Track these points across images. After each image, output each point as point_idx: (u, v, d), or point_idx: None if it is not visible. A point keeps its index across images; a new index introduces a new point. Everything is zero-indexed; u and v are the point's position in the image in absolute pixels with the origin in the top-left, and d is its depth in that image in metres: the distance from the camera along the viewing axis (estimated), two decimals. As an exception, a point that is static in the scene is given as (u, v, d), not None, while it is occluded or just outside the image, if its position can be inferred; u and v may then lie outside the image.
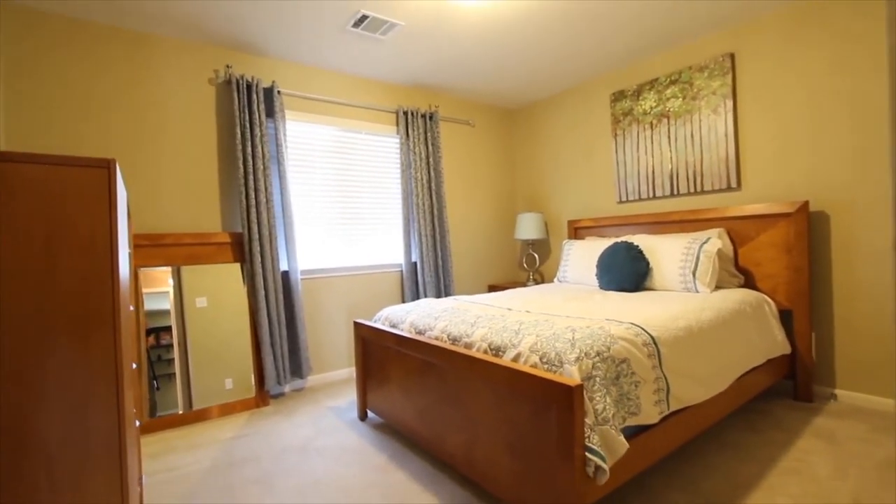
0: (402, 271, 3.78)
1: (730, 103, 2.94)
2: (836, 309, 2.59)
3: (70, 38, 2.51)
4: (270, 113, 3.08)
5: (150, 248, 2.68)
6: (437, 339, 2.02)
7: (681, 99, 3.20)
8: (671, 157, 3.28)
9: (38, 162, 0.86)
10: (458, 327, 1.98)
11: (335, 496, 1.79)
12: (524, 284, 4.16)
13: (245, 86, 2.92)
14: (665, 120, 3.30)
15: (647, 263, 2.81)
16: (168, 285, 2.74)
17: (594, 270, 3.20)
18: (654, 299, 2.40)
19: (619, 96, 3.59)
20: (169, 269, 2.75)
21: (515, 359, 1.62)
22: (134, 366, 1.38)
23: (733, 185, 2.96)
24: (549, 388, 1.37)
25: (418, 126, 3.74)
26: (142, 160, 2.72)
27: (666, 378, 1.69)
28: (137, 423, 1.46)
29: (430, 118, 3.84)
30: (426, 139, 3.81)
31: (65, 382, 0.87)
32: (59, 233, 0.87)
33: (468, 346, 1.85)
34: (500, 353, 1.69)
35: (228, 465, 2.09)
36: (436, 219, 3.82)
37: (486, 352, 1.75)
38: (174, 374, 2.69)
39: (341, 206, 3.49)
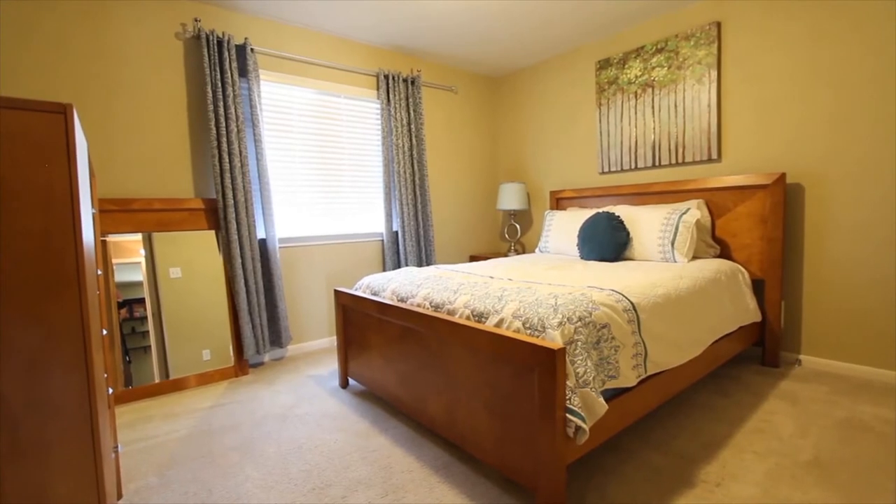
0: (383, 241, 3.73)
1: (714, 73, 2.93)
2: (805, 279, 2.68)
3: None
4: (244, 72, 2.92)
5: (117, 214, 2.56)
6: (419, 306, 2.01)
7: (666, 68, 3.17)
8: (654, 128, 3.28)
9: (-18, 104, 0.78)
10: (441, 294, 1.96)
11: (318, 461, 1.79)
12: (505, 255, 4.17)
13: (216, 42, 2.76)
14: (650, 90, 3.27)
15: (628, 234, 2.84)
16: (140, 256, 2.64)
17: (575, 241, 3.22)
18: (634, 268, 2.43)
19: (604, 64, 3.54)
20: (140, 238, 2.64)
21: (498, 324, 1.62)
22: (104, 332, 1.33)
23: (714, 156, 2.98)
24: (532, 351, 1.38)
25: (399, 91, 3.62)
26: (106, 118, 2.55)
27: (644, 343, 1.73)
28: (110, 391, 1.42)
29: (412, 83, 3.72)
30: (408, 105, 3.70)
31: (23, 345, 0.82)
32: (8, 186, 0.80)
33: (451, 312, 1.84)
34: (483, 319, 1.69)
35: (207, 433, 2.06)
36: (417, 187, 3.75)
37: (468, 318, 1.75)
38: (149, 346, 2.62)
39: (320, 173, 3.39)
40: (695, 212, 2.67)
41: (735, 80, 2.88)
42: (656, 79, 3.23)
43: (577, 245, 3.07)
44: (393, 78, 3.59)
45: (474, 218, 4.48)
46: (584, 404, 1.40)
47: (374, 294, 2.35)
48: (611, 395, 1.59)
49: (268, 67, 3.09)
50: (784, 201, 2.58)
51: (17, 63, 2.30)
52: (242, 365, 2.87)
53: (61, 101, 0.82)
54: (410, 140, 3.72)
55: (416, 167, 3.74)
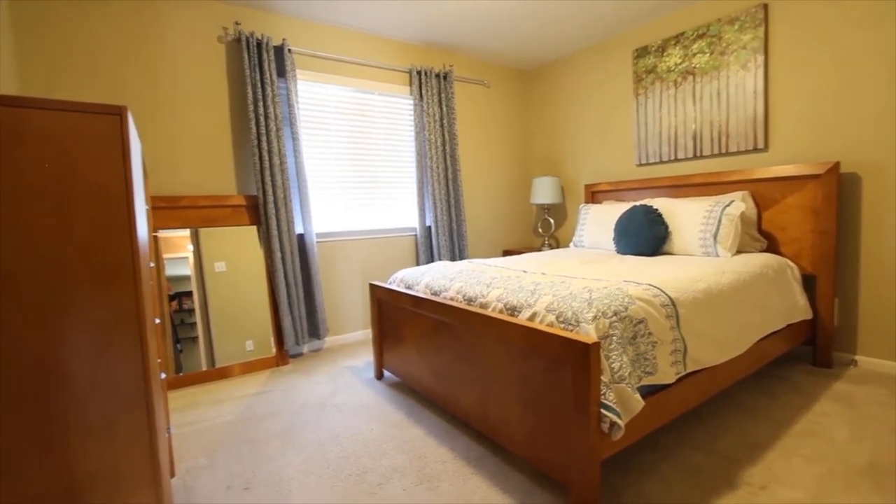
0: (416, 235, 3.77)
1: (761, 58, 2.78)
2: (862, 275, 2.51)
3: (77, -5, 2.46)
4: (282, 72, 3.01)
5: (167, 210, 2.71)
6: (452, 299, 2.03)
7: (708, 54, 3.03)
8: (695, 117, 3.15)
9: (46, 107, 0.84)
10: (474, 288, 1.97)
11: (355, 448, 1.85)
12: (539, 249, 4.13)
13: (255, 44, 2.86)
14: (690, 77, 3.15)
15: (666, 227, 2.75)
16: (187, 251, 2.78)
17: (611, 235, 3.15)
18: (673, 262, 2.36)
19: (642, 53, 3.43)
20: (187, 234, 2.78)
21: (531, 318, 1.61)
22: (157, 321, 1.41)
23: (760, 145, 2.84)
24: (566, 345, 1.37)
25: (432, 86, 3.64)
26: (154, 120, 2.70)
27: (683, 339, 1.68)
28: (163, 376, 1.51)
29: (445, 78, 3.72)
30: (440, 100, 3.72)
31: (87, 330, 0.89)
32: (71, 183, 0.87)
33: (483, 306, 1.85)
34: (516, 312, 1.69)
35: (251, 419, 2.16)
36: (450, 182, 3.77)
37: (501, 311, 1.75)
38: (197, 337, 2.77)
39: (355, 169, 3.46)
40: (739, 204, 2.55)
41: (784, 65, 2.73)
42: (697, 66, 3.10)
43: (613, 239, 3.00)
44: (425, 73, 3.61)
45: (507, 212, 4.46)
46: (620, 400, 1.38)
47: (408, 288, 2.39)
48: (648, 392, 1.56)
49: (304, 67, 3.17)
50: (837, 192, 2.43)
51: (78, 68, 2.47)
52: (283, 355, 2.98)
53: (117, 104, 0.88)
54: (443, 135, 3.74)
55: (448, 162, 3.75)
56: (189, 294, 2.77)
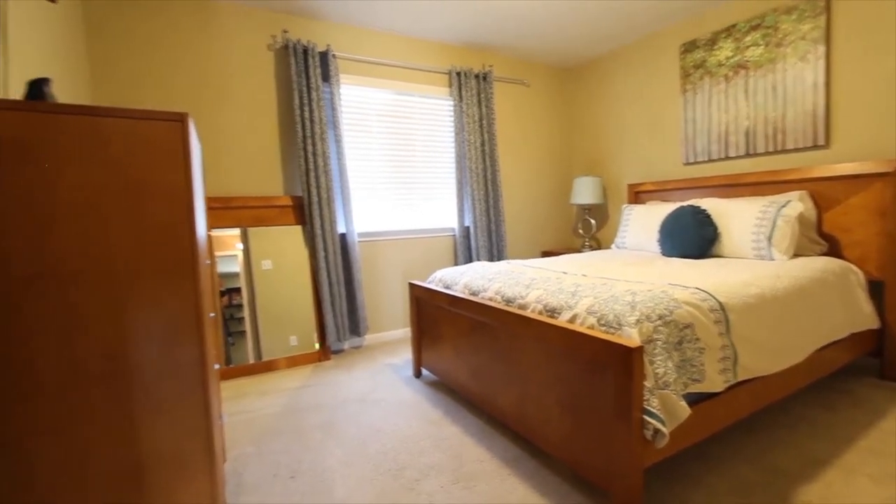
0: (454, 236, 3.79)
1: (822, 49, 2.62)
2: (938, 280, 2.31)
3: (139, 3, 2.64)
4: (326, 77, 3.11)
5: (220, 210, 2.86)
6: (490, 300, 2.03)
7: (762, 46, 2.88)
8: (748, 113, 3.00)
9: (118, 116, 0.93)
10: (513, 289, 1.97)
11: (393, 444, 1.89)
12: (579, 251, 4.05)
13: (301, 50, 2.97)
14: (743, 71, 3.00)
15: (715, 229, 2.63)
16: (236, 249, 2.92)
17: (656, 236, 3.05)
18: (723, 266, 2.26)
19: (690, 47, 3.30)
20: (237, 233, 2.92)
21: (571, 320, 1.59)
22: (212, 315, 1.50)
23: (820, 142, 2.67)
24: (607, 349, 1.35)
25: (471, 87, 3.65)
26: (209, 124, 2.86)
27: (734, 346, 1.61)
28: (217, 367, 1.60)
29: (484, 78, 3.73)
30: (479, 100, 3.72)
31: (158, 322, 0.96)
32: (144, 181, 0.94)
33: (522, 307, 1.84)
34: (556, 314, 1.67)
35: (295, 411, 2.25)
36: (489, 182, 3.77)
37: (540, 313, 1.74)
38: (245, 331, 2.90)
39: (395, 170, 3.52)
40: (796, 204, 2.41)
41: (847, 56, 2.55)
42: (751, 59, 2.95)
43: (658, 241, 2.91)
44: (465, 74, 3.62)
45: (547, 213, 4.40)
46: (664, 406, 1.34)
47: (447, 287, 2.41)
48: (695, 400, 1.50)
49: (347, 71, 3.26)
50: (911, 191, 2.25)
51: (141, 75, 2.65)
52: (325, 351, 3.08)
53: (179, 111, 0.95)
54: (482, 135, 3.74)
55: (487, 162, 3.75)
56: (238, 290, 2.91)
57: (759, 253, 2.44)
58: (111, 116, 0.92)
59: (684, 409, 1.36)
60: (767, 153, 2.94)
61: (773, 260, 2.37)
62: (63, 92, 1.97)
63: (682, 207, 2.79)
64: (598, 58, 4.11)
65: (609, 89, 4.03)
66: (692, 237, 2.64)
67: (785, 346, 1.81)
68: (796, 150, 2.80)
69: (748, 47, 2.96)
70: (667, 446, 1.40)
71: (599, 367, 1.39)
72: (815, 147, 2.71)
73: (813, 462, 1.66)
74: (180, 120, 0.99)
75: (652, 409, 1.31)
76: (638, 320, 1.42)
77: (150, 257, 0.95)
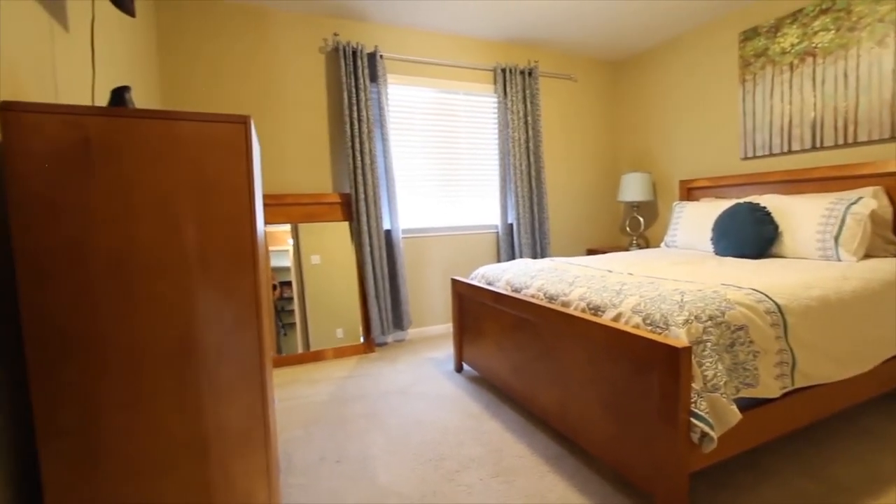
0: (497, 233, 3.79)
1: (904, 32, 2.40)
2: None
3: (204, 15, 2.83)
4: (374, 77, 3.20)
5: (273, 207, 3.02)
6: (533, 297, 2.03)
7: (833, 31, 2.68)
8: (815, 104, 2.80)
9: (195, 119, 1.02)
10: (556, 286, 1.96)
11: (434, 436, 1.93)
12: (626, 249, 3.94)
13: (350, 52, 3.06)
14: (810, 59, 2.80)
15: (776, 227, 2.49)
16: (287, 244, 3.07)
17: (709, 235, 2.92)
18: (783, 266, 2.13)
19: (750, 35, 3.12)
20: (288, 228, 3.07)
21: (616, 319, 1.57)
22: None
23: (900, 133, 2.45)
24: (653, 349, 1.32)
25: (516, 83, 3.63)
26: (264, 124, 3.03)
27: (792, 351, 1.52)
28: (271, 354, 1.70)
29: (529, 74, 3.69)
30: (524, 97, 3.69)
31: (221, 308, 1.05)
32: (211, 179, 1.03)
33: (565, 304, 1.82)
34: (600, 312, 1.65)
35: (341, 400, 2.35)
36: (533, 179, 3.74)
37: (584, 311, 1.72)
38: (295, 323, 3.05)
39: (439, 168, 3.57)
40: (869, 201, 2.23)
41: (935, 38, 2.32)
42: (819, 45, 2.75)
43: (711, 239, 2.78)
44: (510, 71, 3.60)
45: (593, 210, 4.31)
46: (713, 410, 1.30)
47: (489, 284, 2.42)
48: (747, 405, 1.44)
49: (394, 71, 3.34)
50: None
51: (203, 79, 2.84)
52: (369, 343, 3.18)
53: (242, 114, 1.03)
54: (527, 132, 3.71)
55: (532, 159, 3.72)
56: (289, 284, 3.06)
57: (824, 253, 2.29)
58: (184, 120, 1.01)
59: (735, 414, 1.31)
60: (836, 146, 2.73)
61: (839, 261, 2.21)
62: (137, 98, 2.15)
63: (738, 204, 2.65)
64: (648, 49, 3.96)
65: (660, 82, 3.88)
66: (749, 236, 2.51)
67: (850, 354, 1.69)
68: (870, 142, 2.59)
69: (816, 32, 2.76)
70: (715, 452, 1.36)
71: (645, 367, 1.37)
72: (893, 139, 2.50)
73: (877, 478, 1.55)
74: (243, 122, 1.07)
75: (699, 412, 1.27)
76: (686, 320, 1.38)
77: (216, 249, 1.04)
